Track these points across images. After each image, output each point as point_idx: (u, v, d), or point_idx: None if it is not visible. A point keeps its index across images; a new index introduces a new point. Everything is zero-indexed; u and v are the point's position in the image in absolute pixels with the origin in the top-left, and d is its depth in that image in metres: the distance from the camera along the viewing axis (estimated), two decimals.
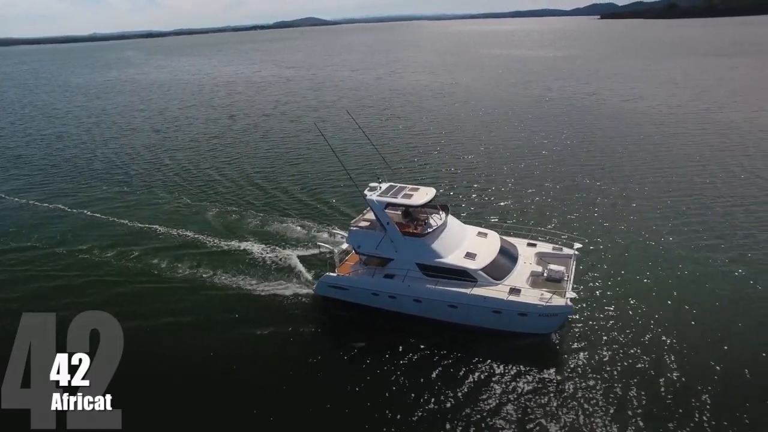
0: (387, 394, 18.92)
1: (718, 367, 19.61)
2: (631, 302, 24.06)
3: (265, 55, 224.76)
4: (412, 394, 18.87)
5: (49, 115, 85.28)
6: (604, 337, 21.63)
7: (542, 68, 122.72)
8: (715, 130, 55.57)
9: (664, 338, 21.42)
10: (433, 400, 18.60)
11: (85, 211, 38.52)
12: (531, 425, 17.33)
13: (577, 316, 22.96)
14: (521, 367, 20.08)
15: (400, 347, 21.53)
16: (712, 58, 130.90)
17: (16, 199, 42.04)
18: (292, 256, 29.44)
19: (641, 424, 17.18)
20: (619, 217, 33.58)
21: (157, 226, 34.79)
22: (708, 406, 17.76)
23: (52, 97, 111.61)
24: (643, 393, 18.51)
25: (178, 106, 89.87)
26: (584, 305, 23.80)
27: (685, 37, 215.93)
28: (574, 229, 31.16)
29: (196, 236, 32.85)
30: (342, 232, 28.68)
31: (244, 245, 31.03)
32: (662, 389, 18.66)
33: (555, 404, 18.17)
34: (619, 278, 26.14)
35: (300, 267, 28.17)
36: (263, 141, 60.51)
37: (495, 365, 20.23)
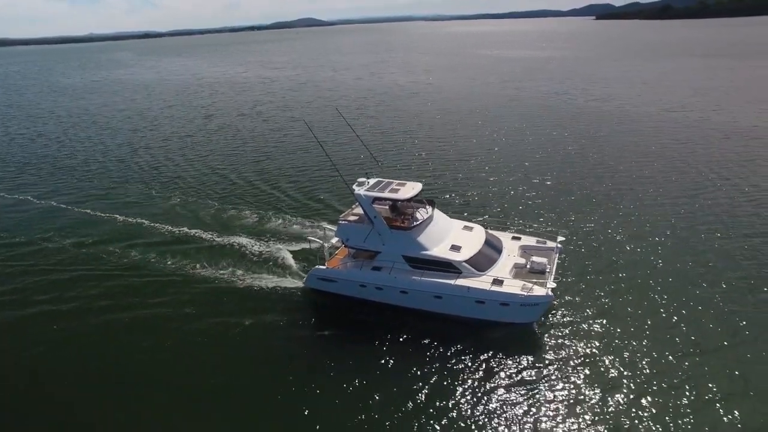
0: (374, 384, 19.35)
1: (696, 354, 20.23)
2: (612, 292, 24.71)
3: (260, 56, 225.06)
4: (398, 383, 19.33)
5: (31, 115, 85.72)
6: (585, 326, 22.23)
7: (530, 68, 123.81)
8: (687, 128, 56.74)
9: (644, 327, 22.03)
10: (418, 388, 19.06)
11: (75, 208, 38.89)
12: (513, 412, 17.81)
13: (559, 306, 23.55)
14: (504, 355, 20.61)
15: (387, 337, 22.05)
16: (694, 59, 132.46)
17: (8, 196, 42.33)
18: (282, 250, 29.89)
19: (620, 410, 17.70)
20: (601, 212, 34.32)
21: (146, 222, 35.23)
22: (687, 393, 18.28)
23: (39, 97, 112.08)
24: (622, 380, 19.07)
25: (163, 105, 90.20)
26: (566, 295, 24.40)
27: (671, 39, 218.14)
28: (557, 224, 31.87)
29: (186, 231, 33.25)
30: (331, 227, 29.17)
31: (234, 240, 31.46)
32: (641, 376, 19.22)
33: (536, 391, 18.66)
34: (600, 269, 26.80)
35: (290, 261, 28.64)
36: (252, 138, 60.93)
37: (478, 354, 20.77)
